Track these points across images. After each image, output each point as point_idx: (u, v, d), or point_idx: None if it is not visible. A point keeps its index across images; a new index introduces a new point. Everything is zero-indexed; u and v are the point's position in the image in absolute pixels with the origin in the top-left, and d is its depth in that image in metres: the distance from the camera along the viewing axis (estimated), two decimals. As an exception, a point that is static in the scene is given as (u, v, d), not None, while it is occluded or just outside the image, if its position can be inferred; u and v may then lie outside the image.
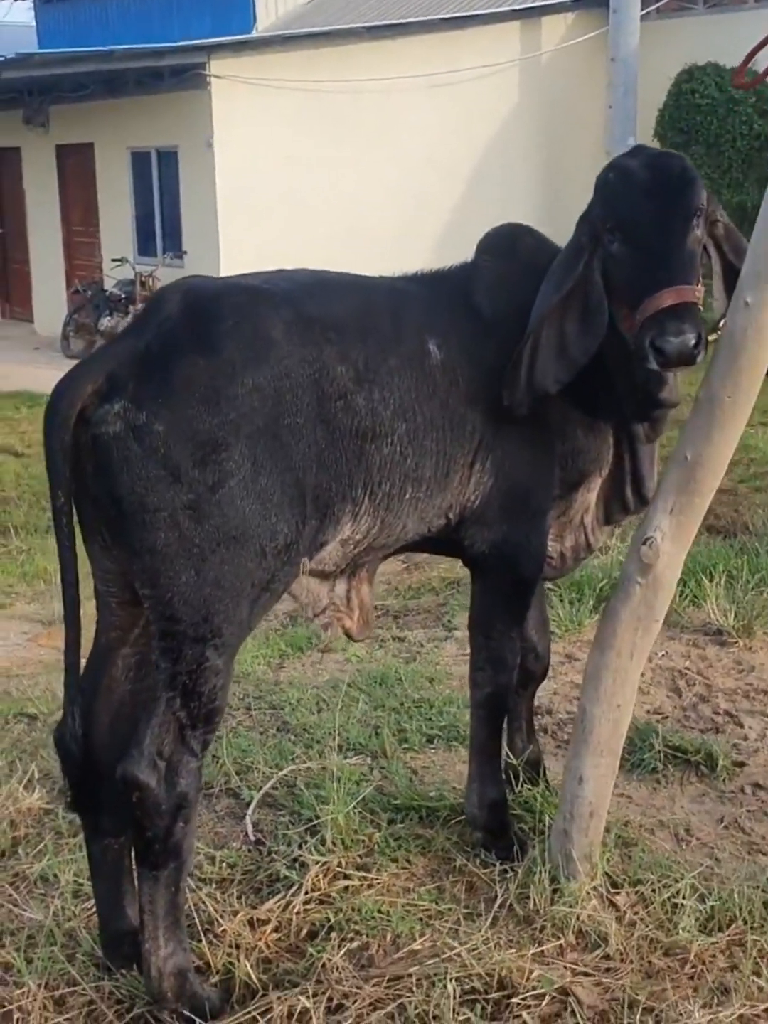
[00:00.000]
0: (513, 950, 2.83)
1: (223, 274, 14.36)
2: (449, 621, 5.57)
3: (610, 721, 2.92)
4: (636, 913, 3.00)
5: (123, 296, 14.72)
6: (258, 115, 14.19)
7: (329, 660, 5.17)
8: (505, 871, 3.14)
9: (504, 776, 3.43)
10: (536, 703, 4.47)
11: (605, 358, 2.92)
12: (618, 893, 3.08)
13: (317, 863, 3.16)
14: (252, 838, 3.41)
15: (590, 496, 3.17)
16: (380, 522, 2.87)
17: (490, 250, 3.12)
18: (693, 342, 2.63)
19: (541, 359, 2.87)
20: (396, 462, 2.83)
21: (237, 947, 2.94)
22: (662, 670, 4.85)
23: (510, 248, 3.12)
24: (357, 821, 3.33)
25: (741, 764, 3.95)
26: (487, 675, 3.14)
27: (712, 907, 3.00)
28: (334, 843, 3.23)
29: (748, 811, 3.65)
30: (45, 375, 14.36)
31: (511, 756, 3.49)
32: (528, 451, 2.99)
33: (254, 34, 14.74)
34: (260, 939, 2.96)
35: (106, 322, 14.85)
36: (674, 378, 2.88)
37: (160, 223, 15.49)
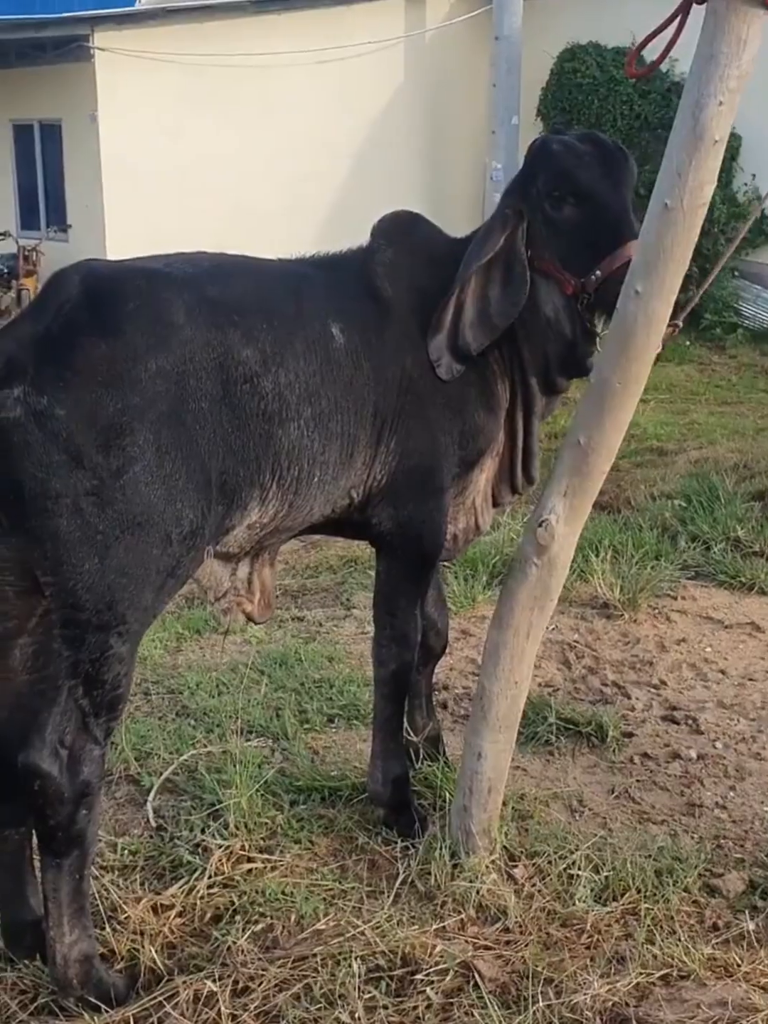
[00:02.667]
0: (415, 927, 2.89)
1: (108, 249, 14.16)
2: (348, 599, 5.62)
3: (508, 698, 2.99)
4: (534, 885, 3.09)
5: (5, 270, 14.41)
6: (142, 89, 13.97)
7: (229, 642, 5.17)
8: (407, 848, 3.21)
9: (415, 752, 3.51)
10: (434, 679, 4.58)
11: (515, 333, 3.02)
12: (516, 866, 3.17)
13: (220, 847, 3.18)
14: (154, 824, 3.42)
15: (482, 477, 3.23)
16: (288, 506, 2.90)
17: (385, 235, 3.15)
18: None
19: (464, 322, 2.98)
20: (303, 446, 2.86)
21: (141, 933, 2.95)
22: (552, 644, 4.96)
23: (406, 234, 3.16)
24: (260, 804, 3.36)
25: (630, 735, 4.07)
26: (392, 652, 3.19)
27: (606, 877, 3.11)
28: (237, 827, 3.26)
29: (637, 781, 3.77)
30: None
31: (411, 733, 3.55)
32: (429, 431, 3.05)
33: (137, 7, 14.46)
34: (164, 924, 2.98)
35: (-6, 297, 14.54)
36: None
37: (44, 197, 15.19)
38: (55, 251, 14.52)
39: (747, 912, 3.06)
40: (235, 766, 3.53)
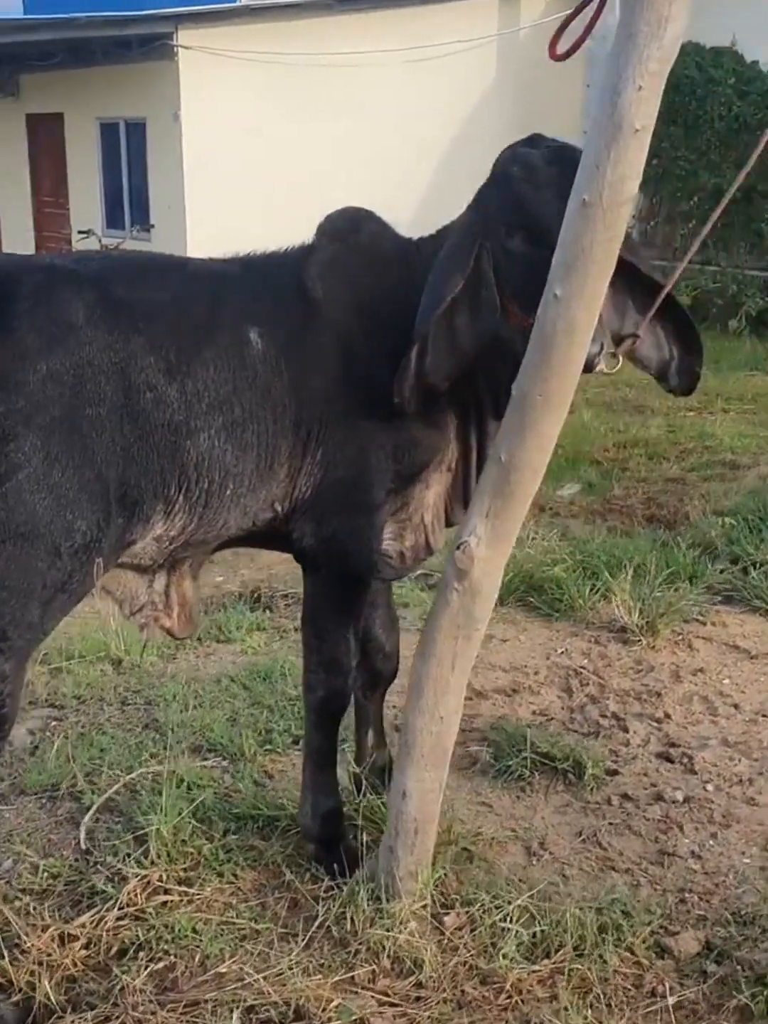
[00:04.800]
0: (321, 975, 2.70)
1: (189, 248, 14.18)
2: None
3: (432, 734, 2.77)
4: (461, 937, 2.87)
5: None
6: (226, 88, 13.93)
7: (225, 650, 5.03)
8: (332, 888, 3.00)
9: (358, 782, 3.31)
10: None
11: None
12: (448, 913, 2.94)
13: (137, 876, 3.01)
14: (83, 847, 3.27)
15: (429, 493, 3.01)
16: (197, 519, 2.72)
17: (329, 232, 2.96)
18: (595, 351, 2.51)
19: (432, 355, 2.72)
20: (214, 457, 2.68)
21: (41, 964, 2.80)
22: (558, 668, 4.71)
23: (350, 232, 2.96)
24: (189, 831, 3.19)
25: (614, 772, 3.81)
26: (320, 677, 2.99)
27: (540, 931, 2.87)
28: (158, 855, 3.09)
29: (610, 824, 3.51)
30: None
31: (356, 762, 3.35)
32: (358, 443, 2.84)
33: (225, 4, 14.44)
34: (68, 956, 2.83)
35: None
36: None
37: (128, 195, 15.26)
38: (138, 249, 14.59)
39: (694, 977, 2.80)
40: (171, 789, 3.37)
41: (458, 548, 2.62)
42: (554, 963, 2.78)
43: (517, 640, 4.98)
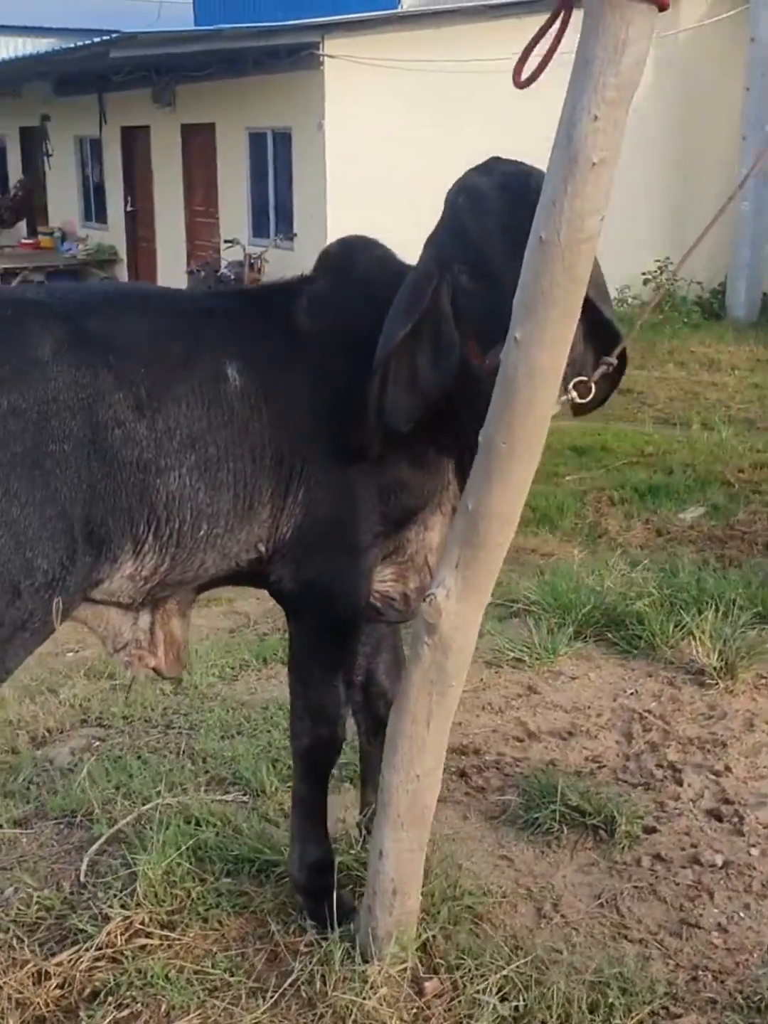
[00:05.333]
0: (277, 1038, 2.59)
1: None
2: (428, 640, 5.28)
3: (408, 792, 2.63)
4: (437, 1006, 2.72)
5: (232, 278, 14.70)
6: (369, 97, 13.93)
7: (281, 675, 4.97)
8: (312, 943, 2.89)
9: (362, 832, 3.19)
10: (465, 739, 4.21)
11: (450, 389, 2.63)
12: (430, 978, 2.80)
13: (120, 917, 2.96)
14: (81, 880, 3.23)
15: (431, 535, 2.87)
16: (170, 559, 2.65)
17: (324, 264, 2.86)
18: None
19: (391, 396, 2.60)
20: (185, 496, 2.61)
21: (12, 1001, 2.77)
22: (623, 711, 4.49)
23: (345, 263, 2.85)
24: (181, 872, 3.11)
25: (652, 830, 3.59)
26: (305, 726, 2.88)
27: (523, 1006, 2.70)
28: (145, 896, 3.02)
29: (634, 887, 3.31)
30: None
31: (361, 812, 3.24)
32: (340, 483, 2.72)
33: (372, 13, 14.42)
34: (40, 995, 2.79)
35: (216, 303, 14.86)
36: None
37: (274, 205, 15.42)
38: (279, 259, 14.71)
39: (685, 1070, 2.60)
40: (185, 823, 3.31)
41: (425, 600, 2.48)
42: (528, 1042, 2.61)
43: (586, 678, 4.77)
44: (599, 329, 2.57)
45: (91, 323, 2.55)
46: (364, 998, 2.65)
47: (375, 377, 2.55)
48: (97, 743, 4.22)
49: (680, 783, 3.92)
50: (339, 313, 2.74)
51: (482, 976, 2.78)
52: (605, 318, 2.56)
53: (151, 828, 3.38)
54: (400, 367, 2.56)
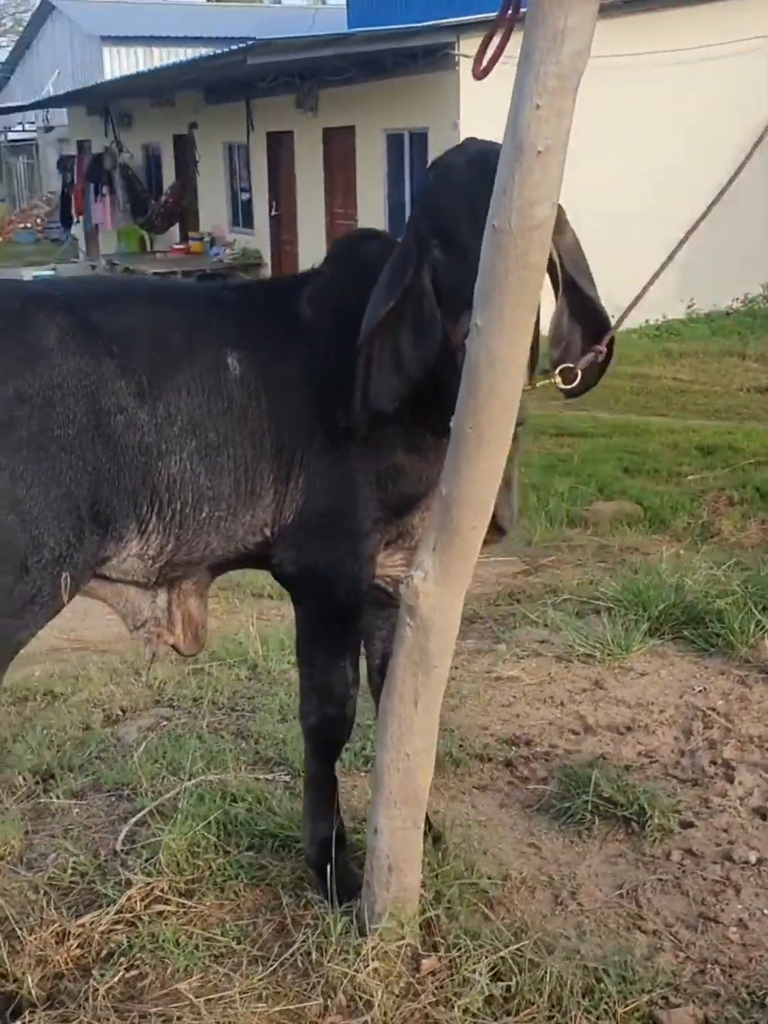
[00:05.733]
0: (268, 1004, 2.68)
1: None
2: (504, 634, 5.31)
3: (399, 770, 2.69)
4: (430, 982, 2.77)
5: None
6: (505, 95, 13.84)
7: (360, 665, 5.06)
8: (319, 916, 2.97)
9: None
10: (519, 731, 4.23)
11: (435, 369, 2.68)
12: (428, 956, 2.85)
13: (141, 883, 3.09)
14: (117, 848, 3.38)
15: None
16: (175, 539, 2.77)
17: (330, 257, 2.94)
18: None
19: (375, 376, 2.67)
20: (186, 480, 2.72)
21: (34, 959, 2.93)
22: (687, 707, 4.44)
23: (348, 255, 2.93)
24: (205, 844, 3.23)
25: (689, 825, 3.55)
26: (312, 704, 2.97)
27: (513, 986, 2.73)
28: (167, 865, 3.15)
29: (659, 879, 3.29)
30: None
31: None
32: (337, 470, 2.80)
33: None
34: (61, 954, 2.94)
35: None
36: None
37: (410, 205, 15.52)
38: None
39: (671, 1058, 2.59)
40: (221, 799, 3.44)
41: (402, 583, 2.54)
42: (517, 1022, 2.64)
43: (656, 675, 4.73)
44: (585, 313, 2.60)
45: (95, 314, 2.69)
46: (356, 970, 2.72)
47: (359, 358, 2.61)
48: (164, 722, 4.38)
49: (731, 780, 3.87)
50: (338, 303, 2.82)
51: (480, 957, 2.82)
52: (591, 301, 2.59)
53: (191, 802, 3.51)
54: (383, 347, 2.61)
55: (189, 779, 3.69)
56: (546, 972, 2.76)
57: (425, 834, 3.19)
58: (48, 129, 31.21)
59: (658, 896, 3.22)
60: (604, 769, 3.75)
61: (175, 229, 21.77)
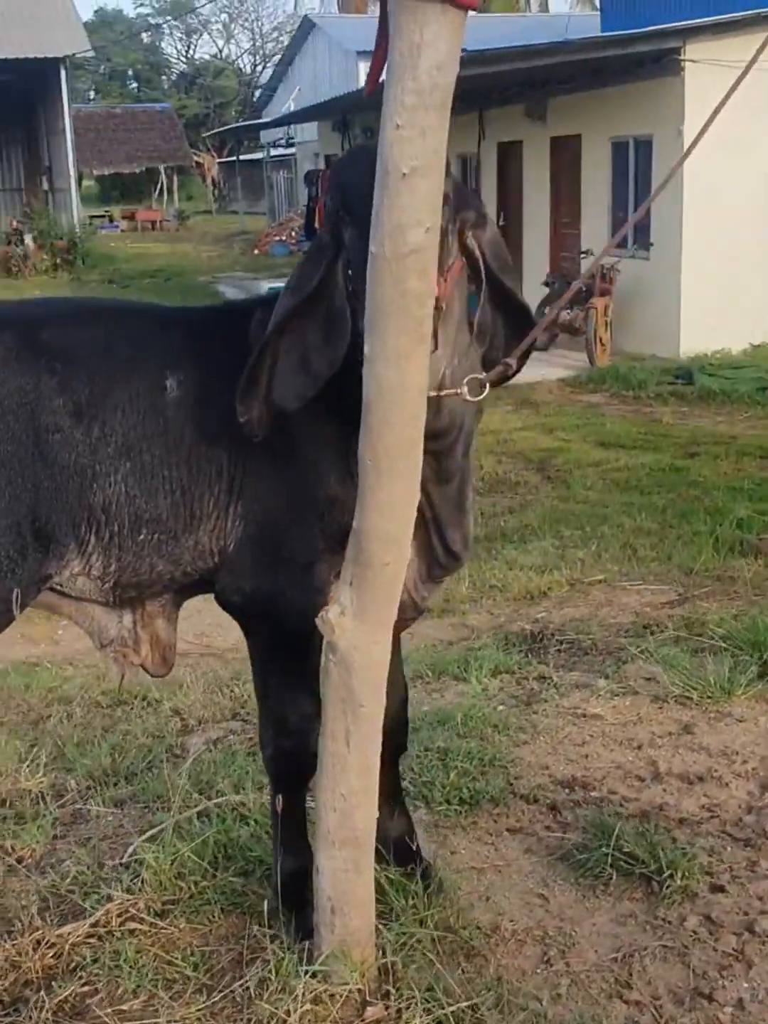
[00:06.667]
0: (195, 1037, 2.64)
1: (684, 268, 13.79)
2: (613, 670, 5.07)
3: (336, 811, 2.59)
4: (364, 1029, 2.66)
5: (583, 289, 14.57)
6: (732, 101, 13.33)
7: (452, 690, 4.96)
8: (276, 950, 2.90)
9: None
10: (582, 772, 4.01)
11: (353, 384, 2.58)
12: (375, 1004, 2.74)
13: (119, 899, 3.11)
14: (124, 861, 3.41)
15: None
16: (116, 561, 2.77)
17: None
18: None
19: (280, 372, 2.59)
20: (122, 501, 2.73)
21: (10, 964, 2.99)
22: (780, 759, 4.12)
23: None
24: (191, 865, 3.22)
25: (720, 889, 3.30)
26: (269, 735, 2.91)
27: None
28: (150, 884, 3.16)
29: (664, 946, 3.06)
30: (501, 366, 14.72)
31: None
32: (276, 498, 2.74)
33: (735, 14, 13.81)
34: (37, 961, 2.99)
35: (566, 315, 14.83)
36: (437, 398, 2.50)
37: (633, 215, 15.14)
38: (632, 270, 14.46)
39: None
40: (225, 821, 3.43)
41: (319, 618, 2.44)
42: (438, 1085, 2.51)
43: (754, 722, 4.41)
44: (507, 305, 2.61)
45: (44, 333, 2.73)
46: (285, 1012, 2.64)
47: (264, 351, 2.54)
48: (231, 736, 4.40)
49: (790, 845, 3.57)
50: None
51: (427, 1010, 2.70)
52: (511, 294, 2.59)
53: (192, 822, 3.50)
54: (292, 342, 2.53)
55: (216, 797, 3.69)
56: (489, 1035, 2.61)
57: (414, 876, 3.10)
58: (290, 144, 32.07)
59: (656, 964, 3.00)
60: (634, 821, 3.52)
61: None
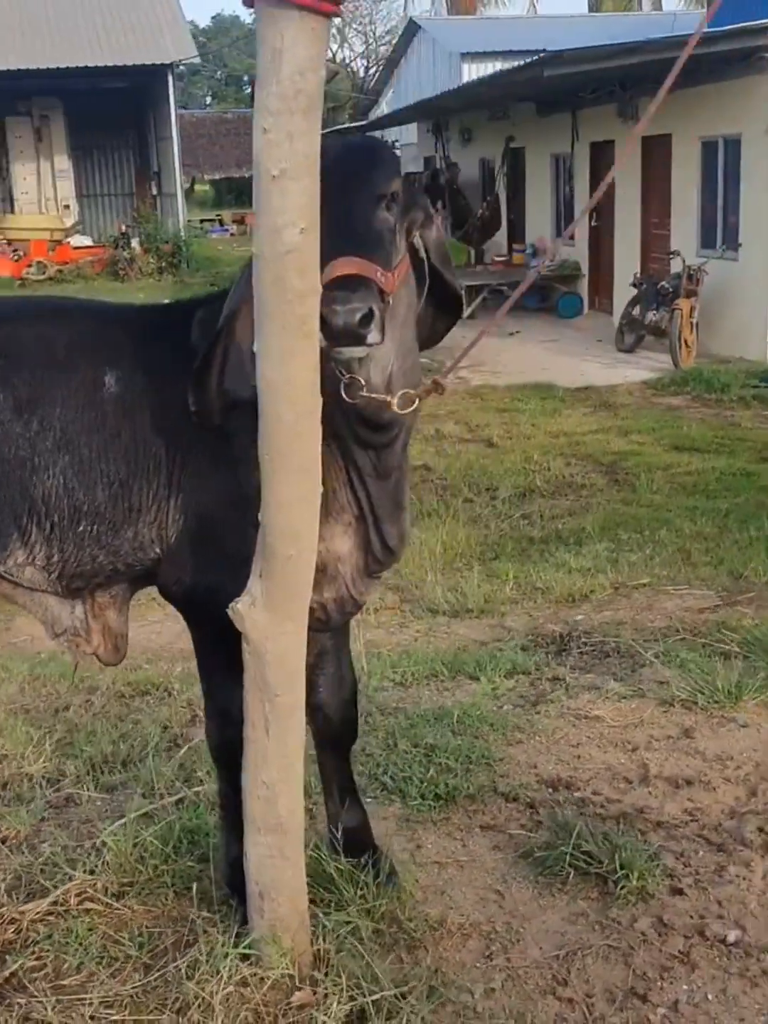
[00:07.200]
0: (119, 1013, 2.72)
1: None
2: (631, 669, 5.04)
3: (260, 799, 2.66)
4: (290, 1015, 2.72)
5: (670, 289, 14.39)
6: (820, 99, 13.11)
7: (463, 689, 4.98)
8: (223, 932, 2.97)
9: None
10: (571, 773, 4.01)
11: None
12: (303, 989, 2.80)
13: (79, 879, 3.21)
14: (98, 846, 3.51)
15: (335, 545, 2.83)
16: (59, 552, 2.85)
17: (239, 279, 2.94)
18: (359, 316, 2.34)
19: (233, 361, 2.63)
20: (61, 493, 2.81)
21: (-29, 937, 3.12)
22: (775, 764, 4.07)
23: (244, 278, 2.90)
24: (154, 850, 3.31)
25: (679, 892, 3.28)
26: (213, 725, 2.98)
27: None
28: (110, 865, 3.26)
29: (609, 946, 3.06)
30: (583, 369, 14.58)
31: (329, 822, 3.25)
32: (211, 492, 2.80)
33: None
34: (-1, 936, 3.12)
35: (652, 316, 14.67)
36: (385, 389, 2.60)
37: (722, 215, 14.91)
38: (719, 271, 14.22)
39: None
40: (198, 809, 3.51)
41: (228, 608, 2.50)
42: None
43: (757, 728, 4.35)
44: (448, 299, 2.77)
45: None
46: (210, 994, 2.71)
47: (217, 340, 2.60)
48: (234, 728, 4.49)
49: (766, 852, 3.53)
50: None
51: (352, 997, 2.75)
52: (453, 288, 2.74)
53: (183, 810, 3.60)
54: (244, 331, 2.56)
55: (200, 786, 3.78)
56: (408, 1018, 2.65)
57: (366, 868, 3.14)
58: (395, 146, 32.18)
59: (597, 963, 3.00)
60: (610, 822, 3.52)
61: (503, 241, 21.93)
